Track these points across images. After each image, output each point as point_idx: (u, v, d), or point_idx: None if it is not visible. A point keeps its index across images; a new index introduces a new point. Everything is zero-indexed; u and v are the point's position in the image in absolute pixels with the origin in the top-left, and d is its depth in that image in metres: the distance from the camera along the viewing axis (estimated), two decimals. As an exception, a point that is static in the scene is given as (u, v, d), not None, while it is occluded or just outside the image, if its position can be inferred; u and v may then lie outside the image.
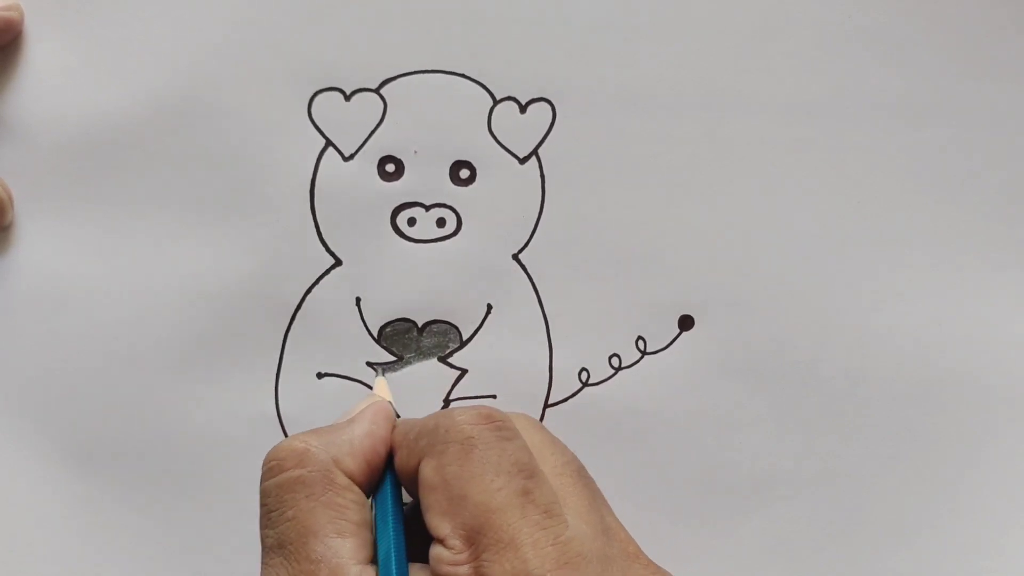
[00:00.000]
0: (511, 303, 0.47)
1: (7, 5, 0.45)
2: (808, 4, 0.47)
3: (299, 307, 0.46)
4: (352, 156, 0.46)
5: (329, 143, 0.46)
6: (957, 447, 0.47)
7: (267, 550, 0.37)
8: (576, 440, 0.46)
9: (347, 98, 0.46)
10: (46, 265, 0.46)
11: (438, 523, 0.36)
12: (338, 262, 0.46)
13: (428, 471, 0.37)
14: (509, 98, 0.47)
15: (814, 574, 0.47)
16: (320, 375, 0.46)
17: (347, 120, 0.46)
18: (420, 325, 0.47)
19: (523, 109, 0.47)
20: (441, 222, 0.47)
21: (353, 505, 0.38)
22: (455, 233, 0.47)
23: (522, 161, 0.47)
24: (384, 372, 0.46)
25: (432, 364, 0.47)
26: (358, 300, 0.46)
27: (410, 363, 0.47)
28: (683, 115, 0.47)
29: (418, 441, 0.38)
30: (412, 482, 0.38)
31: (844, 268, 0.47)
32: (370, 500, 0.39)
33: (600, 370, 0.47)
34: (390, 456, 0.40)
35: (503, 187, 0.47)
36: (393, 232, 0.47)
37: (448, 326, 0.47)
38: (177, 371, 0.46)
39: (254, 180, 0.46)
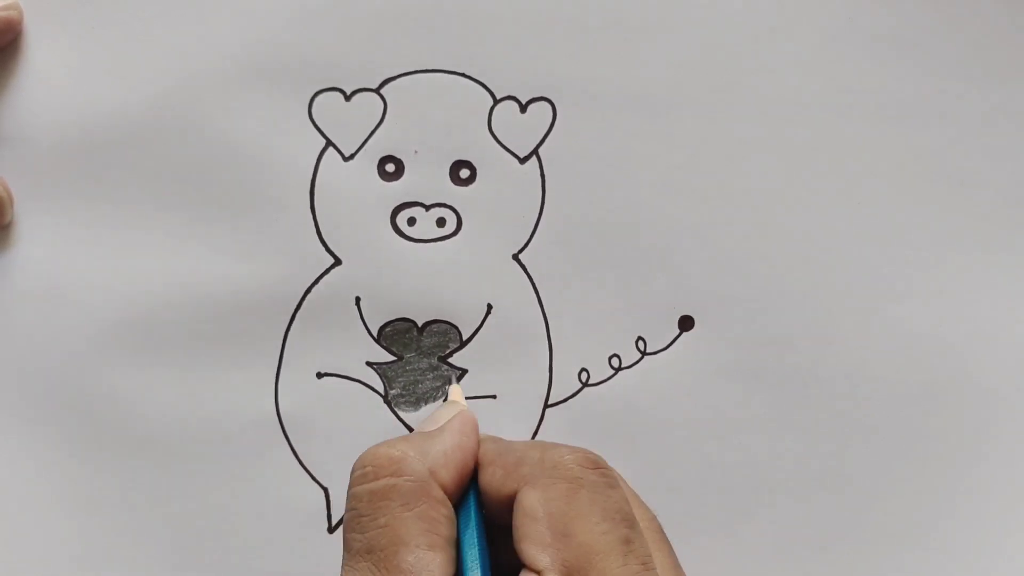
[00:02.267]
0: (511, 303, 0.47)
1: (7, 4, 0.45)
2: (809, 4, 0.47)
3: (299, 306, 0.46)
4: (352, 156, 0.46)
5: (329, 143, 0.46)
6: (958, 448, 0.47)
7: (353, 553, 0.37)
8: (576, 440, 0.46)
9: (347, 98, 0.46)
10: (46, 264, 0.46)
11: (537, 554, 0.36)
12: (338, 262, 0.46)
13: (531, 500, 0.37)
14: (509, 98, 0.47)
15: (814, 574, 0.47)
16: (320, 375, 0.46)
17: (347, 120, 0.46)
18: (420, 325, 0.47)
19: (523, 109, 0.47)
20: (441, 222, 0.47)
21: (445, 520, 0.37)
22: (455, 233, 0.47)
23: (522, 161, 0.47)
24: (457, 379, 0.46)
25: (432, 364, 0.47)
26: (358, 300, 0.46)
27: (410, 363, 0.47)
28: (683, 115, 0.47)
29: (519, 468, 0.38)
30: (500, 503, 0.38)
31: (844, 268, 0.47)
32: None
33: (600, 370, 0.47)
34: (475, 470, 0.40)
35: (503, 187, 0.47)
36: (393, 232, 0.47)
37: (448, 326, 0.47)
38: (177, 370, 0.46)
39: (254, 180, 0.46)
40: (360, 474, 0.38)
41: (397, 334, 0.47)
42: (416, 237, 0.47)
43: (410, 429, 0.47)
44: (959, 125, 0.47)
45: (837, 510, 0.47)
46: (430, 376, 0.47)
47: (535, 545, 0.36)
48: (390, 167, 0.47)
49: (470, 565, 0.37)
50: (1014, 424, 0.47)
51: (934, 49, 0.47)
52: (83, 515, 0.46)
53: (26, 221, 0.46)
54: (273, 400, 0.46)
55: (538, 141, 0.47)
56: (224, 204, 0.46)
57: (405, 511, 0.37)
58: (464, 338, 0.47)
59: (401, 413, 0.47)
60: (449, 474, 0.38)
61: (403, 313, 0.47)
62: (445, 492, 0.38)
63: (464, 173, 0.47)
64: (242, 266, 0.46)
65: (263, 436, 0.46)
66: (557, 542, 0.36)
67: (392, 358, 0.47)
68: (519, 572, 0.36)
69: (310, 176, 0.46)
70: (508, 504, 0.38)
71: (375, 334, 0.47)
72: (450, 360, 0.47)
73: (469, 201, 0.47)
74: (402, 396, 0.47)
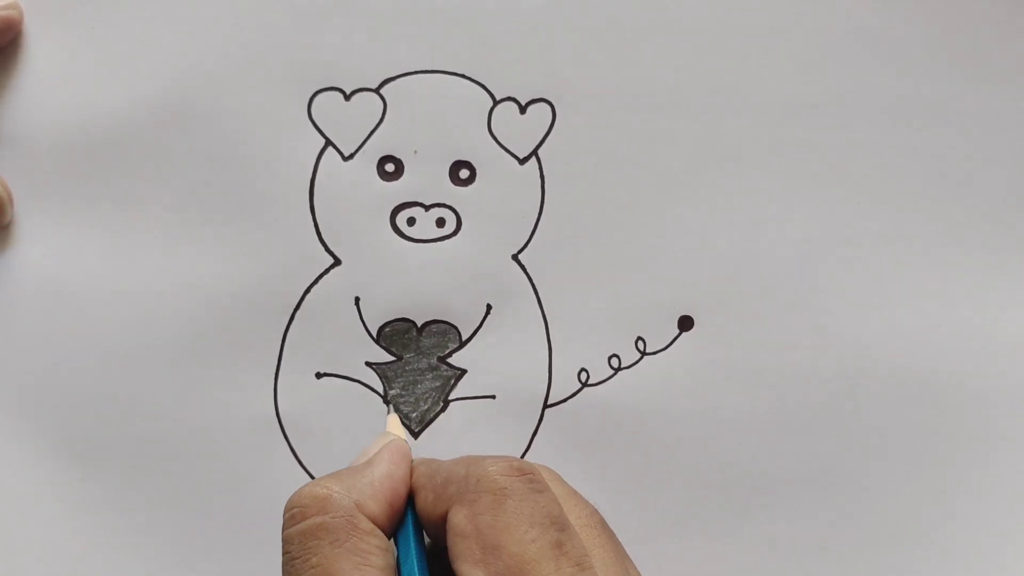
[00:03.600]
0: (511, 303, 0.47)
1: (7, 4, 0.45)
2: (808, 4, 0.47)
3: (298, 307, 0.46)
4: (352, 156, 0.46)
5: (329, 143, 0.46)
6: (957, 448, 0.47)
7: None
8: (575, 440, 0.46)
9: (347, 98, 0.46)
10: (45, 264, 0.46)
11: (470, 570, 0.36)
12: (337, 262, 0.46)
13: (459, 519, 0.37)
14: (509, 98, 0.47)
15: (814, 574, 0.47)
16: (319, 375, 0.46)
17: (347, 120, 0.46)
18: (419, 325, 0.47)
19: (523, 109, 0.47)
20: (441, 222, 0.47)
21: (377, 550, 0.37)
22: (455, 233, 0.47)
23: (522, 161, 0.47)
24: (392, 408, 0.46)
25: (431, 364, 0.47)
26: (357, 300, 0.46)
27: (409, 363, 0.47)
28: (683, 115, 0.47)
29: (446, 487, 0.38)
30: (435, 525, 0.39)
31: (844, 269, 0.47)
32: (390, 540, 0.39)
33: (600, 370, 0.47)
34: (410, 496, 0.40)
35: (503, 187, 0.47)
36: (393, 232, 0.47)
37: (448, 326, 0.47)
38: (176, 370, 0.46)
39: (254, 180, 0.46)
40: (289, 516, 0.38)
41: (396, 334, 0.47)
42: (416, 237, 0.47)
43: (410, 429, 0.47)
44: (959, 125, 0.47)
45: (837, 510, 0.47)
46: (429, 376, 0.47)
47: (468, 563, 0.36)
48: (390, 167, 0.47)
49: None
50: (1014, 424, 0.47)
51: (934, 49, 0.47)
52: (82, 515, 0.46)
53: (26, 221, 0.46)
54: (272, 400, 0.46)
55: (538, 142, 0.47)
56: (223, 204, 0.46)
57: (335, 548, 0.37)
58: (464, 338, 0.47)
59: (400, 414, 0.47)
60: (378, 505, 0.38)
61: (403, 313, 0.47)
62: (376, 523, 0.38)
63: (464, 173, 0.47)
64: (241, 266, 0.46)
65: (262, 436, 0.46)
66: (488, 556, 0.36)
67: (391, 358, 0.47)
68: None
69: (309, 176, 0.46)
70: (443, 525, 0.38)
71: (374, 334, 0.47)
72: (449, 360, 0.47)
73: (469, 201, 0.47)
74: (401, 396, 0.47)
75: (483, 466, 0.38)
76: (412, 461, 0.41)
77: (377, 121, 0.46)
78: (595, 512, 0.41)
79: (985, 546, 0.47)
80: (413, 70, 0.46)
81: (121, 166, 0.46)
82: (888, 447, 0.47)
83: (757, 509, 0.47)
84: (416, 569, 0.38)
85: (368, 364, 0.47)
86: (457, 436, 0.47)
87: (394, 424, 0.45)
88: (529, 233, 0.47)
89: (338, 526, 0.37)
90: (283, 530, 0.38)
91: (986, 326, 0.47)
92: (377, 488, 0.39)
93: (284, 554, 0.38)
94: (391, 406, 0.46)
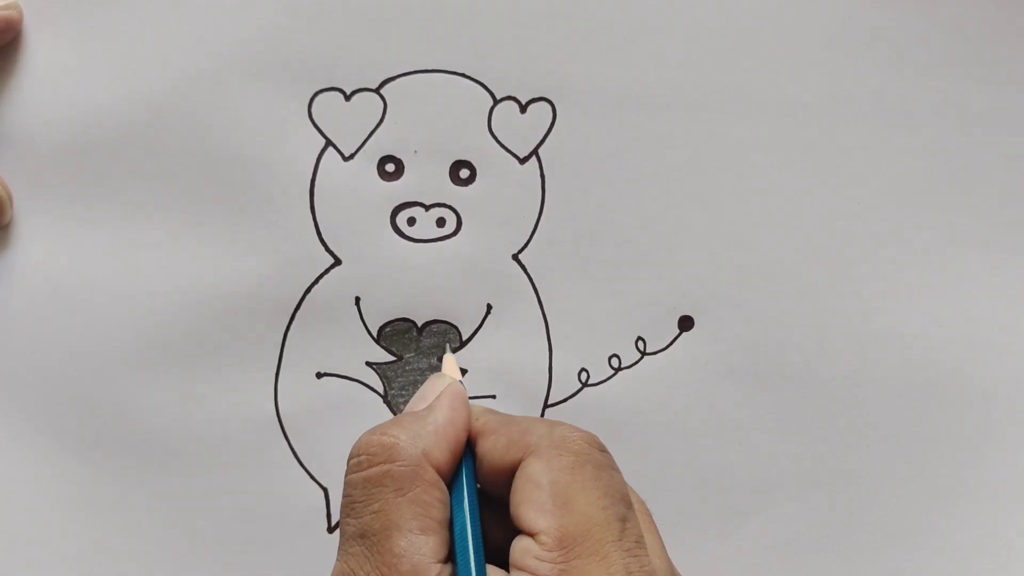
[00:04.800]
0: (511, 303, 0.47)
1: (7, 4, 0.45)
2: (808, 4, 0.47)
3: (298, 307, 0.46)
4: (352, 156, 0.46)
5: (329, 143, 0.46)
6: (957, 448, 0.47)
7: (347, 538, 0.38)
8: (576, 440, 0.46)
9: (347, 98, 0.46)
10: (45, 264, 0.46)
11: (535, 518, 0.37)
12: (337, 262, 0.46)
13: (537, 468, 0.38)
14: (509, 98, 0.47)
15: (813, 574, 0.47)
16: (319, 375, 0.46)
17: (347, 120, 0.46)
18: (420, 325, 0.47)
19: (523, 109, 0.47)
20: (441, 222, 0.47)
21: (437, 503, 0.38)
22: (455, 233, 0.47)
23: (522, 161, 0.47)
24: (450, 348, 0.46)
25: (432, 364, 0.47)
26: (358, 300, 0.46)
27: (409, 363, 0.47)
28: (683, 115, 0.47)
29: (524, 437, 0.39)
30: (499, 473, 0.39)
31: (844, 269, 0.47)
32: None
33: (600, 370, 0.47)
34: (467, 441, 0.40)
35: (503, 187, 0.47)
36: (393, 232, 0.47)
37: (448, 326, 0.47)
38: (176, 370, 0.46)
39: (254, 180, 0.46)
40: (354, 463, 0.39)
41: (397, 334, 0.47)
42: (416, 237, 0.47)
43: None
44: (959, 125, 0.47)
45: (836, 510, 0.47)
46: (429, 376, 0.47)
47: (535, 510, 0.37)
48: (390, 167, 0.47)
49: (461, 544, 0.38)
50: (1014, 424, 0.47)
51: (934, 49, 0.47)
52: (82, 515, 0.46)
53: (26, 221, 0.46)
54: (273, 400, 0.46)
55: (538, 141, 0.47)
56: (224, 204, 0.46)
57: (399, 496, 0.38)
58: (464, 338, 0.47)
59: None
60: (442, 453, 0.39)
61: (403, 313, 0.47)
62: (438, 471, 0.39)
63: (464, 173, 0.47)
64: (242, 266, 0.46)
65: (263, 436, 0.46)
66: (558, 509, 0.37)
67: (392, 358, 0.47)
68: (511, 542, 0.37)
69: (310, 176, 0.46)
70: (506, 473, 0.39)
71: (375, 334, 0.47)
72: (450, 360, 0.47)
73: (469, 201, 0.47)
74: (401, 396, 0.47)
75: (567, 429, 0.39)
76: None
77: (377, 121, 0.46)
78: (644, 504, 0.42)
79: (985, 546, 0.47)
80: (413, 70, 0.46)
81: (121, 166, 0.46)
82: (887, 447, 0.47)
83: (757, 509, 0.47)
84: (469, 524, 0.38)
85: (368, 364, 0.47)
86: (457, 436, 0.47)
87: (450, 365, 0.45)
88: (529, 233, 0.47)
89: (404, 475, 0.38)
90: (347, 475, 0.39)
91: (986, 325, 0.47)
92: (441, 436, 0.39)
93: (345, 497, 0.39)
94: (449, 346, 0.46)
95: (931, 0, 0.47)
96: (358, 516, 0.38)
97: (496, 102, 0.47)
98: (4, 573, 0.46)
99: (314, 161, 0.46)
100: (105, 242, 0.46)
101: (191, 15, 0.46)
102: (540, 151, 0.47)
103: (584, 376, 0.47)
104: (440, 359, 0.47)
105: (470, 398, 0.47)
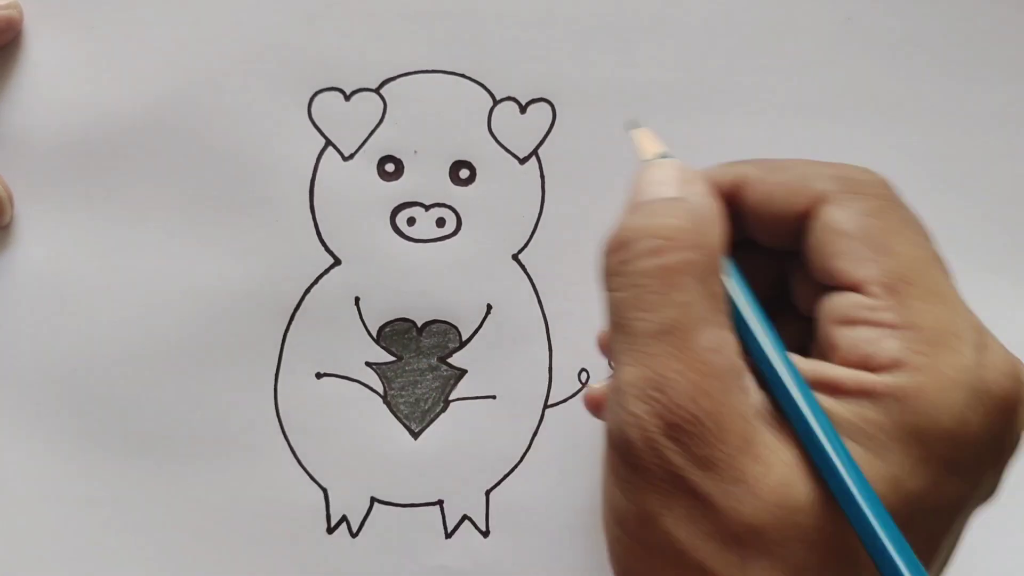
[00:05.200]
0: (511, 303, 0.47)
1: (7, 3, 0.45)
2: (808, 4, 0.47)
3: (298, 307, 0.46)
4: (352, 156, 0.46)
5: (329, 143, 0.46)
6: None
7: (641, 337, 0.33)
8: (575, 440, 0.46)
9: (347, 98, 0.46)
10: (45, 264, 0.46)
11: (853, 268, 0.33)
12: (337, 262, 0.46)
13: (842, 216, 0.34)
14: (509, 98, 0.47)
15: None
16: (319, 375, 0.46)
17: (347, 120, 0.46)
18: (419, 325, 0.47)
19: (523, 109, 0.47)
20: (441, 222, 0.47)
21: (724, 296, 0.34)
22: (455, 233, 0.47)
23: (522, 161, 0.47)
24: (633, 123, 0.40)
25: (431, 364, 0.47)
26: (357, 300, 0.46)
27: (409, 363, 0.47)
28: (683, 115, 0.47)
29: (807, 183, 0.35)
30: (781, 228, 0.35)
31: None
32: None
33: (600, 370, 0.47)
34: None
35: (503, 187, 0.47)
36: (393, 232, 0.46)
37: (448, 326, 0.47)
38: (176, 370, 0.46)
39: (254, 180, 0.46)
40: (649, 248, 0.33)
41: (396, 334, 0.47)
42: (416, 237, 0.47)
43: (411, 431, 0.46)
44: (959, 125, 0.47)
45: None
46: (429, 376, 0.47)
47: (850, 260, 0.33)
48: (390, 167, 0.47)
49: (749, 328, 0.34)
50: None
51: (934, 49, 0.47)
52: (81, 515, 0.46)
53: (26, 221, 0.46)
54: (272, 400, 0.46)
55: (538, 142, 0.47)
56: (223, 204, 0.46)
57: (705, 288, 0.33)
58: (464, 338, 0.47)
59: (400, 415, 0.47)
60: (720, 241, 0.34)
61: (402, 313, 0.47)
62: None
63: (464, 173, 0.47)
64: (241, 266, 0.46)
65: (262, 436, 0.46)
66: (878, 255, 0.33)
67: (391, 358, 0.47)
68: (820, 297, 0.34)
69: (309, 176, 0.46)
70: (789, 227, 0.35)
71: (374, 334, 0.47)
72: (450, 360, 0.47)
73: (469, 201, 0.47)
74: (401, 396, 0.47)
75: (860, 170, 0.35)
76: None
77: (377, 121, 0.46)
78: None
79: (984, 546, 0.47)
80: (413, 70, 0.46)
81: (121, 166, 0.46)
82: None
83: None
84: (753, 308, 0.34)
85: (368, 364, 0.47)
86: (458, 436, 0.46)
87: (648, 139, 0.38)
88: (529, 233, 0.47)
89: (705, 267, 0.33)
90: (632, 264, 0.33)
91: (986, 326, 0.47)
92: (719, 222, 0.35)
93: (631, 289, 0.33)
94: (632, 123, 0.40)
95: (931, 0, 0.47)
96: (656, 308, 0.33)
97: (496, 102, 0.47)
98: (4, 573, 0.46)
99: (314, 161, 0.46)
100: (105, 242, 0.46)
101: (191, 15, 0.46)
102: (540, 151, 0.47)
103: (584, 376, 0.47)
104: (439, 359, 0.47)
105: (470, 398, 0.47)
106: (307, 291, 0.46)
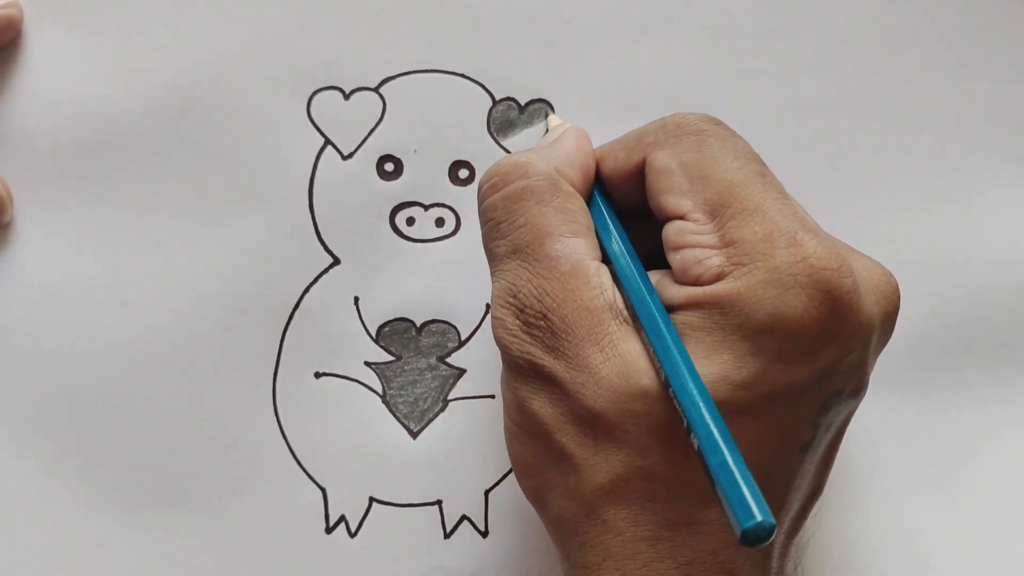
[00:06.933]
0: (510, 303, 0.47)
1: (7, 3, 0.45)
2: (808, 4, 0.47)
3: (297, 306, 0.46)
4: (351, 155, 0.46)
5: (328, 142, 0.46)
6: (955, 447, 0.47)
7: (499, 258, 0.39)
8: (574, 440, 0.46)
9: (346, 97, 0.46)
10: (44, 264, 0.46)
11: (677, 201, 0.38)
12: (336, 261, 0.46)
13: (662, 158, 0.38)
14: (509, 98, 0.47)
15: (813, 574, 0.47)
16: (318, 375, 0.46)
17: (346, 119, 0.46)
18: (418, 325, 0.47)
19: (523, 109, 0.47)
20: (440, 222, 0.47)
21: (580, 210, 0.39)
22: (454, 233, 0.47)
23: (521, 161, 0.47)
24: (548, 113, 0.47)
25: (430, 364, 0.47)
26: (356, 299, 0.46)
27: (408, 363, 0.47)
28: (683, 115, 0.47)
29: (640, 140, 0.40)
30: (627, 182, 0.40)
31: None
32: None
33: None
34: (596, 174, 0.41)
35: (502, 187, 0.47)
36: (392, 231, 0.46)
37: (447, 326, 0.47)
38: (174, 370, 0.46)
39: (253, 179, 0.46)
40: (489, 186, 0.40)
41: (396, 334, 0.47)
42: (415, 237, 0.47)
43: (409, 431, 0.46)
44: (959, 125, 0.47)
45: (835, 508, 0.47)
46: (428, 376, 0.47)
47: (674, 195, 0.38)
48: (389, 166, 0.47)
49: (610, 245, 0.39)
50: (1012, 426, 0.47)
51: (934, 49, 0.47)
52: (82, 515, 0.46)
53: (26, 221, 0.46)
54: (271, 400, 0.46)
55: (537, 142, 0.47)
56: (222, 203, 0.46)
57: (542, 207, 0.39)
58: (463, 338, 0.47)
59: (399, 415, 0.47)
60: (574, 171, 0.40)
61: (402, 313, 0.47)
62: (574, 187, 0.40)
63: (463, 173, 0.47)
64: (240, 265, 0.46)
65: (261, 435, 0.46)
66: (695, 186, 0.37)
67: (391, 358, 0.47)
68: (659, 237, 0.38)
69: (309, 175, 0.46)
70: (635, 180, 0.40)
71: (373, 334, 0.47)
72: (449, 360, 0.47)
73: (468, 201, 0.47)
74: (400, 396, 0.46)
75: (680, 115, 0.39)
76: None
77: (376, 120, 0.46)
78: None
79: (984, 545, 0.47)
80: (413, 69, 0.46)
81: (121, 166, 0.46)
82: (886, 446, 0.47)
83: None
84: (613, 226, 0.39)
85: (367, 364, 0.46)
86: (456, 436, 0.46)
87: (556, 120, 0.46)
88: (529, 233, 0.47)
89: (542, 188, 0.39)
90: (482, 201, 0.40)
91: (985, 326, 0.47)
92: (572, 157, 0.40)
93: (486, 223, 0.40)
94: (547, 111, 0.47)
95: (931, 0, 0.47)
96: (505, 234, 0.39)
97: (496, 102, 0.47)
98: (4, 573, 0.46)
99: (313, 160, 0.46)
100: (104, 241, 0.46)
101: (190, 14, 0.46)
102: (539, 151, 0.47)
103: (583, 376, 0.47)
104: (438, 359, 0.47)
105: (469, 398, 0.47)
106: (306, 290, 0.46)
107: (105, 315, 0.46)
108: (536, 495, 0.39)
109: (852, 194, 0.47)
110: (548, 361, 0.37)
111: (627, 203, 0.40)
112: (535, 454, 0.38)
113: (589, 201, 0.40)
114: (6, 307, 0.46)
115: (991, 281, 0.47)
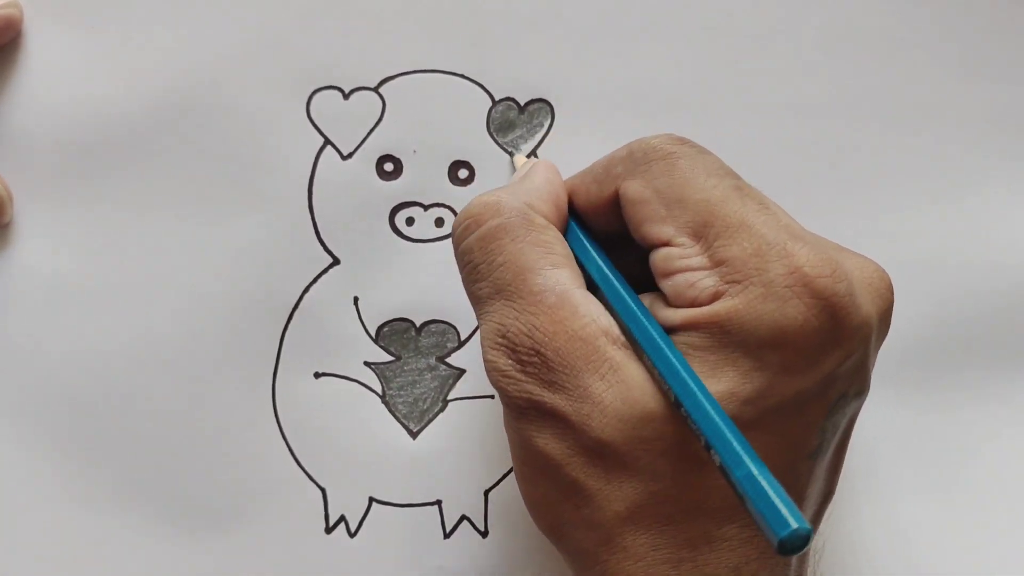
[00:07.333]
0: (510, 303, 0.47)
1: (7, 2, 0.45)
2: (808, 4, 0.47)
3: (297, 306, 0.46)
4: (351, 155, 0.46)
5: (328, 142, 0.46)
6: (955, 447, 0.47)
7: (483, 301, 0.38)
8: (574, 440, 0.46)
9: (346, 97, 0.46)
10: (44, 264, 0.46)
11: (658, 229, 0.37)
12: (336, 261, 0.46)
13: (635, 188, 0.38)
14: (508, 98, 0.47)
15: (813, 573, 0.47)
16: (317, 375, 0.46)
17: (346, 119, 0.46)
18: (418, 325, 0.47)
19: (522, 109, 0.47)
20: (439, 222, 0.47)
21: (556, 242, 0.39)
22: (454, 233, 0.47)
23: (521, 161, 0.47)
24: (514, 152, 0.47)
25: (430, 364, 0.47)
26: (356, 299, 0.46)
27: (408, 363, 0.47)
28: (682, 115, 0.47)
29: (609, 171, 0.39)
30: (602, 214, 0.39)
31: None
32: None
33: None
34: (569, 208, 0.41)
35: (502, 187, 0.47)
36: (391, 231, 0.46)
37: (446, 326, 0.47)
38: (175, 370, 0.46)
39: (252, 179, 0.46)
40: (463, 228, 0.39)
41: (395, 334, 0.47)
42: (415, 237, 0.47)
43: (409, 431, 0.46)
44: (959, 125, 0.47)
45: (835, 508, 0.47)
46: (428, 376, 0.47)
47: (654, 223, 0.37)
48: (389, 166, 0.47)
49: (594, 270, 0.38)
50: (1012, 426, 0.47)
51: (934, 49, 0.47)
52: (82, 515, 0.46)
53: (26, 221, 0.46)
54: (270, 400, 0.46)
55: (537, 142, 0.47)
56: (222, 203, 0.46)
57: (517, 243, 0.38)
58: (462, 338, 0.47)
59: (398, 415, 0.47)
60: (545, 204, 0.39)
61: (401, 313, 0.47)
62: (548, 220, 0.39)
63: (463, 173, 0.47)
64: (240, 265, 0.46)
65: (260, 436, 0.46)
66: (672, 211, 0.37)
67: (390, 358, 0.47)
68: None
69: (308, 175, 0.46)
70: (610, 211, 0.39)
71: (373, 334, 0.47)
72: (448, 360, 0.47)
73: (468, 200, 0.46)
74: (400, 396, 0.46)
75: (645, 141, 0.39)
76: None
77: (376, 120, 0.46)
78: None
79: (984, 544, 0.47)
80: (412, 69, 0.46)
81: (121, 166, 0.46)
82: (886, 445, 0.47)
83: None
84: (594, 252, 0.39)
85: (367, 364, 0.46)
86: (456, 436, 0.46)
87: (522, 158, 0.46)
88: (528, 233, 0.47)
89: (516, 224, 0.38)
90: (457, 245, 0.39)
91: (985, 326, 0.47)
92: (543, 190, 0.40)
93: (465, 266, 0.39)
94: (512, 152, 0.47)
95: (931, 0, 0.47)
96: (485, 276, 0.38)
97: (495, 102, 0.47)
98: (4, 573, 0.46)
99: (312, 160, 0.46)
100: (104, 241, 0.46)
101: (190, 14, 0.46)
102: (539, 151, 0.47)
103: (583, 376, 0.47)
104: (438, 359, 0.47)
105: (469, 398, 0.47)
106: (306, 290, 0.46)
107: (105, 315, 0.46)
108: (553, 531, 0.38)
109: (852, 194, 0.47)
110: (548, 396, 0.36)
111: (606, 231, 0.40)
112: (547, 491, 0.37)
113: (565, 232, 0.40)
114: (6, 307, 0.46)
115: (991, 281, 0.47)
